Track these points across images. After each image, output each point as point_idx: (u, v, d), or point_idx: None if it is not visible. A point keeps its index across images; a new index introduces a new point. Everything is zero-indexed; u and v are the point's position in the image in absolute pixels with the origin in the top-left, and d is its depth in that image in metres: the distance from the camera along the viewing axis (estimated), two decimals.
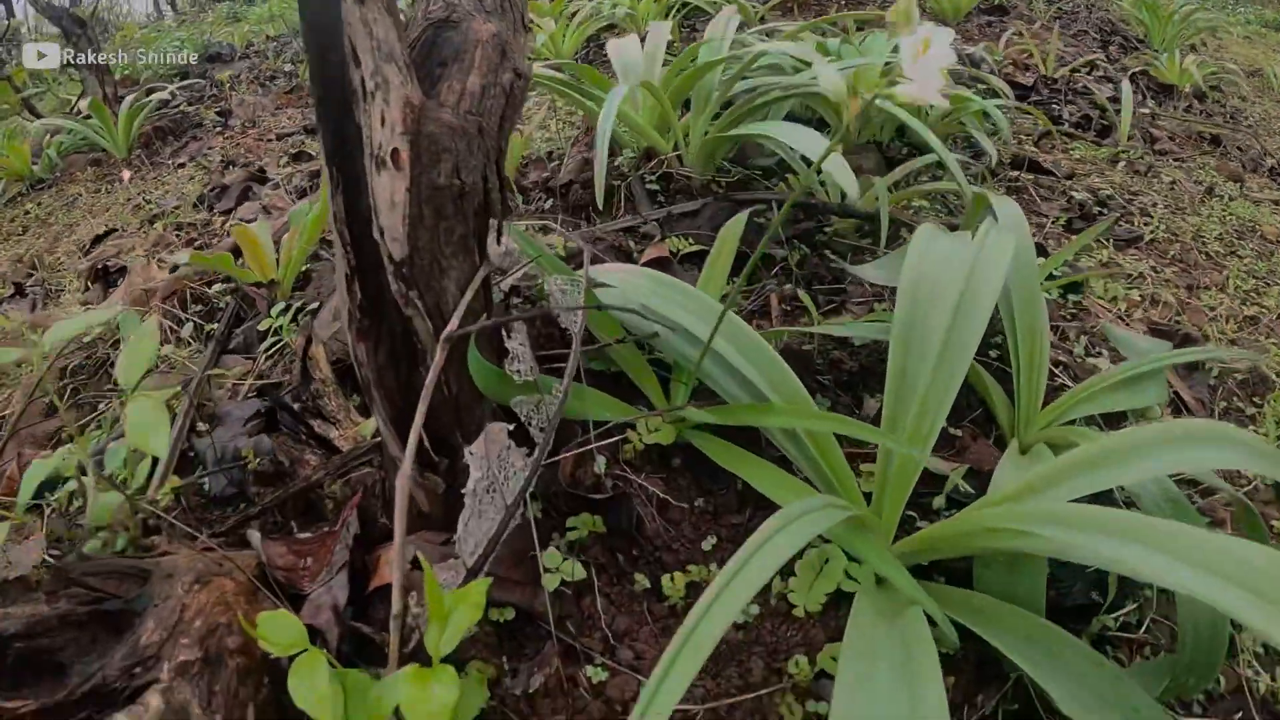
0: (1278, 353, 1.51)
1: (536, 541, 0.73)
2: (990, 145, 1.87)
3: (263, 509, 0.81)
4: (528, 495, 0.71)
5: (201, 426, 1.00)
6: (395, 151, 0.62)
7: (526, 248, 0.92)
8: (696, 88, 1.45)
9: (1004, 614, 0.74)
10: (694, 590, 0.79)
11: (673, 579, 0.78)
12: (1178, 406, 1.36)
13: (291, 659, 0.55)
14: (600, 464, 0.80)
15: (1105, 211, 2.01)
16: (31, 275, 2.54)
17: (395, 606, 0.56)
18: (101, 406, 1.35)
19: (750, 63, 1.44)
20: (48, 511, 0.82)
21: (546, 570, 0.74)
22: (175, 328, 1.43)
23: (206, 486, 0.90)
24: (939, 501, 0.94)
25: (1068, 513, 0.66)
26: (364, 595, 0.71)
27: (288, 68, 4.59)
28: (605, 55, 3.21)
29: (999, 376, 1.13)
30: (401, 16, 0.66)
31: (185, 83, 4.21)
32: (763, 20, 3.45)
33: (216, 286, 1.51)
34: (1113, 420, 1.20)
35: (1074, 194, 2.06)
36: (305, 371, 0.93)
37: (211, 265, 1.34)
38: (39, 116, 4.12)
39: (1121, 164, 2.40)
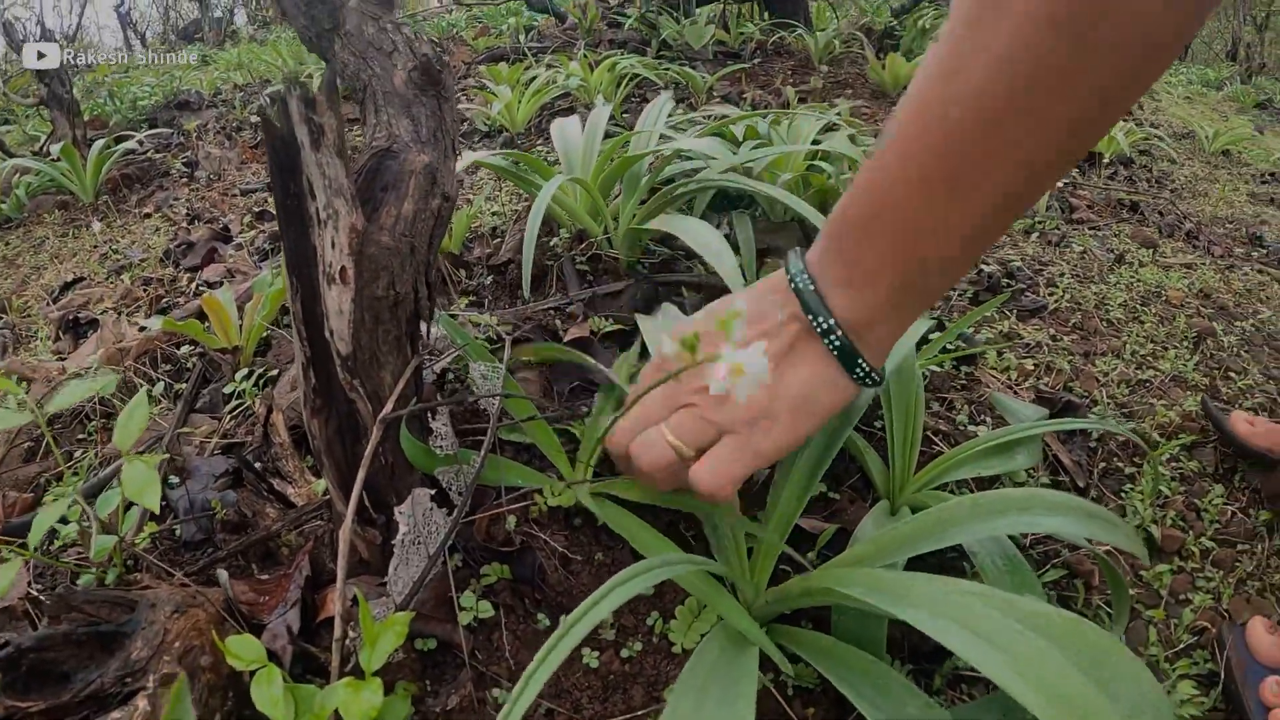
0: (1164, 413, 1.64)
1: (454, 585, 0.90)
2: None
3: (228, 554, 0.97)
4: (447, 548, 0.88)
5: (173, 479, 1.16)
6: (343, 269, 0.79)
7: (455, 336, 1.09)
8: (626, 175, 1.63)
9: (847, 655, 0.86)
10: None
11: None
12: (1056, 468, 1.52)
13: (252, 674, 0.72)
14: (510, 522, 0.98)
15: (1012, 283, 2.11)
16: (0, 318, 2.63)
17: (337, 632, 0.72)
18: (77, 454, 1.50)
19: (668, 160, 1.63)
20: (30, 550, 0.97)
21: (462, 609, 0.90)
22: (148, 385, 1.58)
23: (178, 533, 1.06)
24: (811, 556, 1.11)
25: (876, 578, 0.81)
26: (313, 626, 0.87)
27: (254, 119, 4.71)
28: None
29: (879, 446, 1.28)
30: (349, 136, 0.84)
31: (153, 131, 4.32)
32: (711, 91, 3.61)
33: (185, 348, 1.65)
34: (985, 483, 1.34)
35: (984, 267, 2.17)
36: (266, 436, 1.09)
37: (181, 330, 1.50)
38: (10, 155, 4.24)
39: (1035, 235, 2.54)
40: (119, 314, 2.11)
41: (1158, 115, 5.19)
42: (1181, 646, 1.21)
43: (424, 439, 0.92)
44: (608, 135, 1.81)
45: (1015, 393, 1.63)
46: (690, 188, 1.57)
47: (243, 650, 0.72)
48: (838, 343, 0.78)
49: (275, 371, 1.40)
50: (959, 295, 2.01)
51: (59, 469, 1.40)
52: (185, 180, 3.72)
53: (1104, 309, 2.11)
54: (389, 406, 0.82)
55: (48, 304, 2.59)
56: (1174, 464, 1.56)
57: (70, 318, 2.19)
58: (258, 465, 1.07)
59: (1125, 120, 4.13)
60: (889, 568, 0.91)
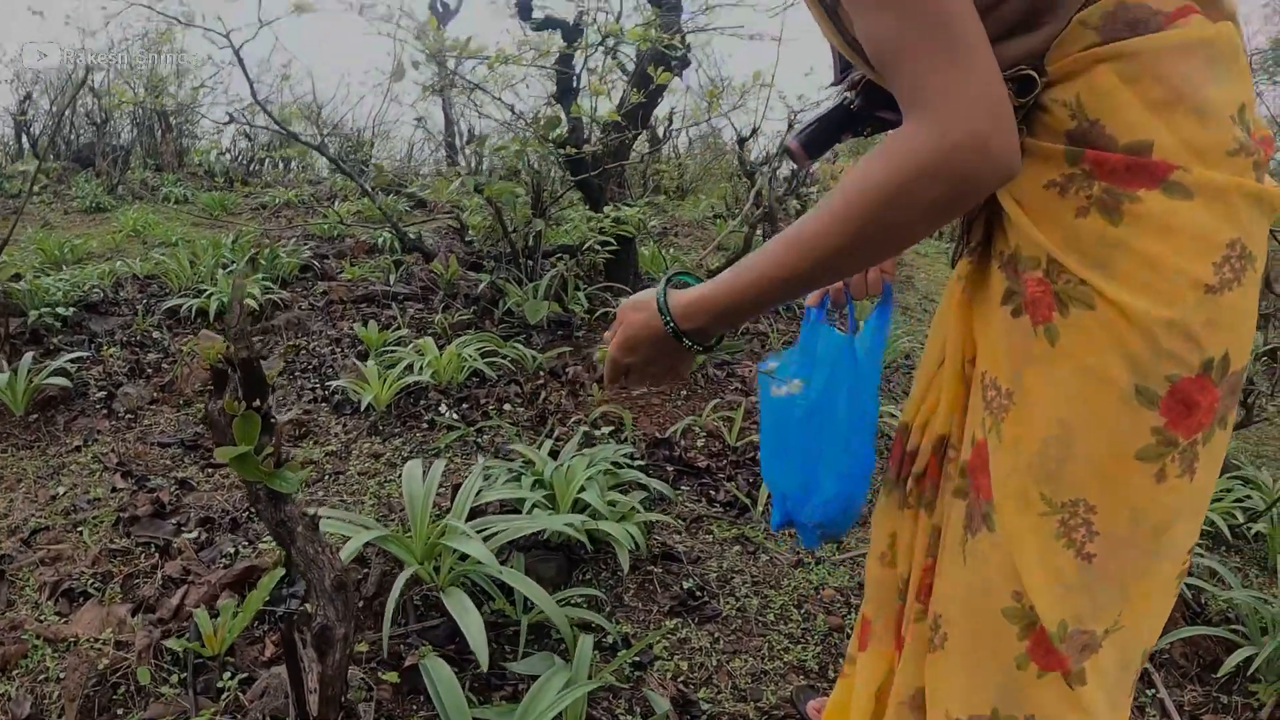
0: (768, 696, 2.92)
1: None
2: (625, 560, 3.12)
3: None
4: None
5: None
6: (314, 678, 2.22)
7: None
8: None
9: None
10: None
11: None
12: None
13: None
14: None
15: (703, 595, 3.15)
16: None
17: None
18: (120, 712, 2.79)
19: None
20: None
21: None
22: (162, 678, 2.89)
23: None
24: None
25: None
26: None
27: (156, 334, 5.80)
28: (415, 406, 4.87)
29: None
30: None
31: (75, 355, 5.10)
32: (540, 368, 5.21)
33: (171, 640, 2.99)
34: None
35: (685, 583, 3.21)
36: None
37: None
38: None
39: (737, 546, 3.55)
40: (104, 589, 3.18)
41: None
42: None
43: None
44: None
45: (664, 690, 3.02)
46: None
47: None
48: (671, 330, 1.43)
49: (245, 675, 2.78)
50: (659, 610, 3.23)
51: None
52: (104, 412, 4.67)
53: (764, 613, 3.15)
54: None
55: (22, 547, 3.42)
56: None
57: (61, 586, 3.17)
58: None
59: None
60: None
